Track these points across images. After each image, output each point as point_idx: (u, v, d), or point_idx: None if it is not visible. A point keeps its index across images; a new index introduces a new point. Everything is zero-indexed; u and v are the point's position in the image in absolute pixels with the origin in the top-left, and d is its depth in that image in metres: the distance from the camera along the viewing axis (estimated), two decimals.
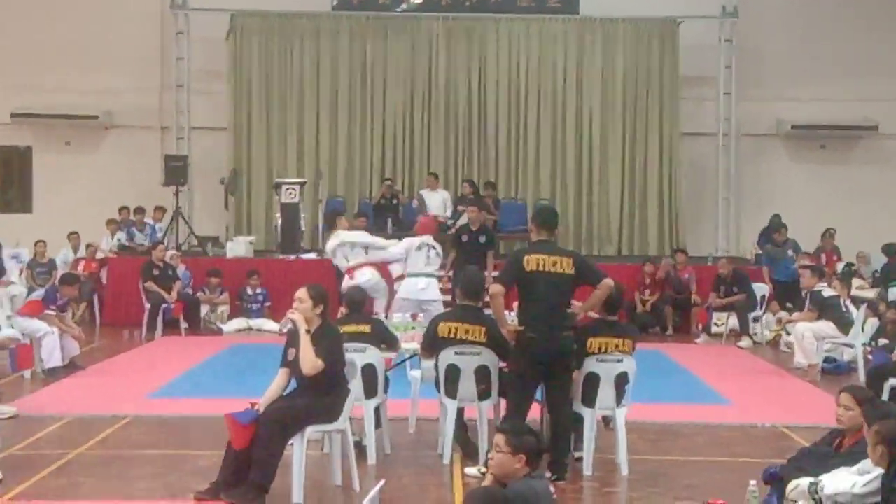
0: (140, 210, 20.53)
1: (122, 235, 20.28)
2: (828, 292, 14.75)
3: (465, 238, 15.66)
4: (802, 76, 22.02)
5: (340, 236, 13.71)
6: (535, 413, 8.68)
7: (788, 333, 15.78)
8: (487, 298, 8.79)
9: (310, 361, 7.74)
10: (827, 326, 14.19)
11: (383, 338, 9.37)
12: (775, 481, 7.03)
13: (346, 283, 12.98)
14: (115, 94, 22.17)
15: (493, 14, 22.32)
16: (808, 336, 14.12)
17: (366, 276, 13.26)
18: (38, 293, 14.13)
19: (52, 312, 13.18)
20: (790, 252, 18.68)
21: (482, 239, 15.49)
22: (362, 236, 13.97)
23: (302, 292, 8.04)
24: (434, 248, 13.43)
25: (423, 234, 13.61)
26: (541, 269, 8.27)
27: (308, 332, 7.82)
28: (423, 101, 22.24)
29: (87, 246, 20.01)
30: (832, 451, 7.01)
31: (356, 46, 22.25)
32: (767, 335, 17.37)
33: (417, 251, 13.30)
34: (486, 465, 5.91)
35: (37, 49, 21.96)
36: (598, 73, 22.19)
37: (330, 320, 8.21)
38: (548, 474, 8.18)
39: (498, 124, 22.23)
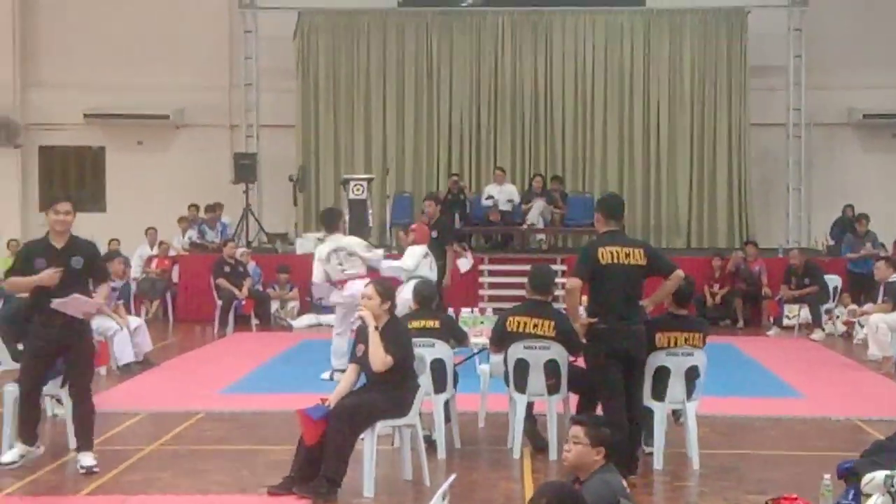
0: (211, 208, 20.74)
1: (193, 233, 20.52)
2: None
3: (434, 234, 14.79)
4: (873, 64, 21.67)
5: (339, 241, 12.77)
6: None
7: (862, 326, 15.58)
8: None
9: (379, 358, 7.79)
10: None
11: (453, 333, 9.39)
12: (851, 476, 6.95)
13: (336, 293, 12.63)
14: (185, 94, 22.42)
15: (559, 7, 22.26)
16: (883, 328, 13.92)
17: (353, 290, 12.21)
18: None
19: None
20: (869, 244, 18.39)
21: (433, 234, 14.79)
22: (359, 247, 12.81)
23: (369, 289, 8.10)
24: (430, 254, 13.06)
25: (422, 242, 13.06)
26: (615, 261, 8.16)
27: (376, 328, 7.86)
28: (489, 96, 22.23)
29: (160, 244, 20.28)
30: None
31: (421, 42, 22.31)
32: (840, 327, 17.15)
33: (424, 258, 13.01)
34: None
35: (108, 50, 22.29)
36: (665, 65, 22.04)
37: (397, 316, 8.25)
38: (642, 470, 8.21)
39: (564, 118, 22.16)
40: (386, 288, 8.14)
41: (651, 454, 8.67)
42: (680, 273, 8.40)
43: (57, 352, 8.48)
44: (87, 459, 8.36)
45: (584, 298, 8.54)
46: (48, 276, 8.17)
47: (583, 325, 8.31)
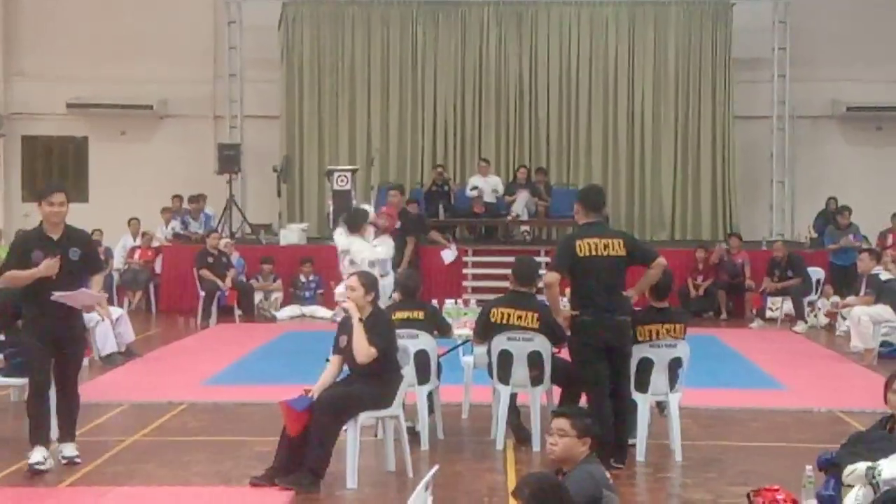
0: (194, 198, 20.68)
1: (176, 224, 20.46)
2: (885, 276, 14.58)
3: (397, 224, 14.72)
4: (857, 57, 21.71)
5: (350, 245, 12.26)
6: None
7: (844, 318, 15.63)
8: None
9: (364, 349, 7.79)
10: (884, 310, 14.00)
11: (436, 324, 9.39)
12: (831, 467, 6.97)
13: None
14: (169, 84, 22.34)
15: None
16: (865, 320, 13.95)
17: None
18: None
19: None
20: (851, 237, 18.42)
21: (397, 224, 14.74)
22: (363, 260, 11.94)
23: (354, 280, 8.11)
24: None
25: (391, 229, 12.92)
26: (593, 253, 8.17)
27: (361, 320, 7.85)
28: (474, 88, 22.20)
29: (143, 234, 20.22)
30: (887, 434, 6.95)
31: (406, 33, 22.25)
32: (822, 319, 17.20)
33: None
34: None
35: (91, 40, 22.18)
36: (650, 57, 22.03)
37: (380, 307, 8.25)
38: (611, 460, 8.19)
39: (549, 109, 22.14)
40: (370, 280, 8.15)
41: (634, 445, 8.68)
42: (662, 261, 8.41)
43: (53, 344, 8.24)
44: (70, 450, 8.31)
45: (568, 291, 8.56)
46: (47, 266, 8.03)
47: (566, 317, 8.32)
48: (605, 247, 8.21)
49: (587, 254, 8.17)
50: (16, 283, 8.44)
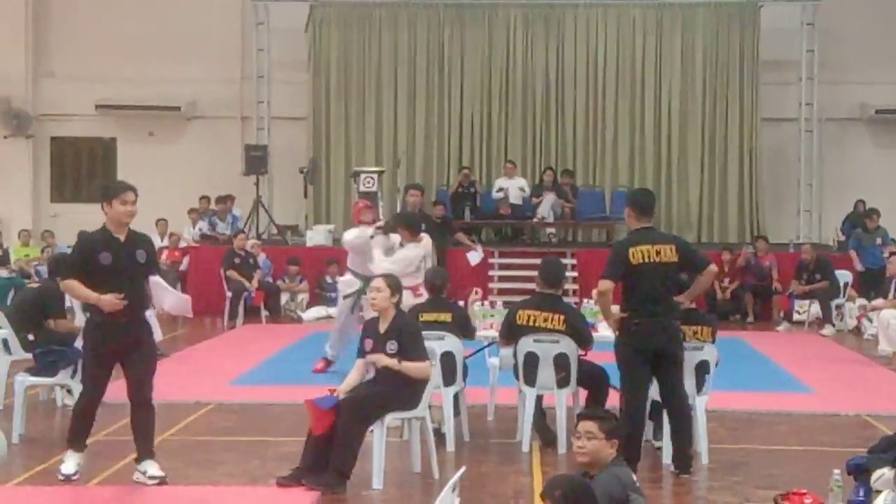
0: (222, 199, 20.75)
1: (203, 225, 20.53)
2: None
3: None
4: (886, 59, 21.59)
5: (387, 264, 11.08)
6: (612, 401, 8.64)
7: (871, 321, 15.53)
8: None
9: (422, 372, 7.91)
10: None
11: (462, 327, 9.36)
12: (861, 473, 6.94)
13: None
14: (197, 85, 22.44)
15: (571, 0, 22.22)
16: (894, 323, 13.85)
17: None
18: None
19: None
20: (878, 240, 18.28)
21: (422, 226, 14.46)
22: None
23: (379, 282, 8.12)
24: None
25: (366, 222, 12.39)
26: (646, 260, 8.08)
27: (400, 362, 7.86)
28: (501, 89, 22.20)
29: (170, 235, 20.30)
30: None
31: (433, 35, 22.28)
32: (851, 322, 17.10)
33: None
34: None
35: (120, 41, 22.29)
36: (677, 59, 21.98)
37: (402, 310, 8.22)
38: (672, 468, 8.19)
39: (576, 112, 22.12)
40: (395, 281, 8.16)
41: (660, 448, 8.67)
42: (713, 268, 8.38)
43: (122, 351, 7.83)
44: (154, 469, 7.87)
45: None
46: (111, 304, 7.62)
47: (615, 320, 8.27)
48: (658, 253, 8.13)
49: (640, 261, 8.09)
50: (74, 296, 8.24)
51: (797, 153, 22.01)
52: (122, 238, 7.89)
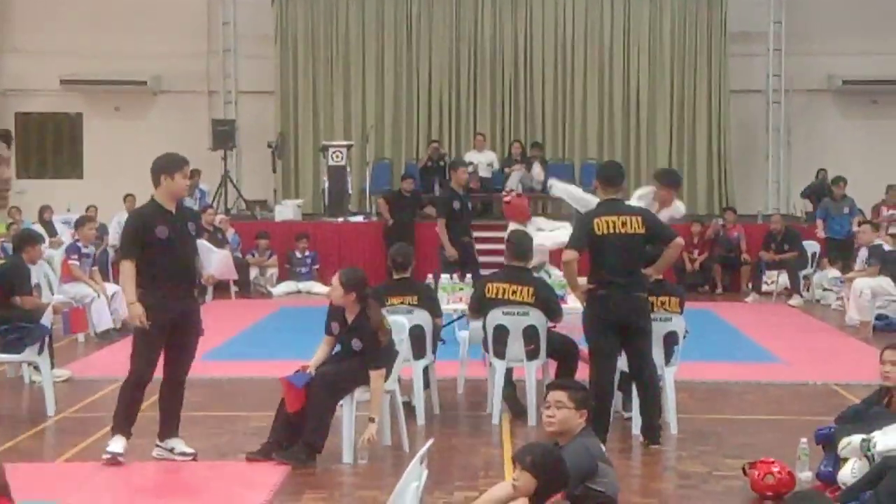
0: (189, 174, 20.57)
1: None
2: (887, 247, 14.52)
3: (457, 205, 14.11)
4: (853, 31, 21.63)
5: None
6: (582, 374, 8.65)
7: (836, 292, 15.64)
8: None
9: (379, 389, 7.79)
10: (886, 282, 13.93)
11: (430, 307, 9.22)
12: (829, 443, 6.99)
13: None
14: (163, 60, 22.22)
15: None
16: (867, 293, 13.84)
17: None
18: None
19: (76, 262, 13.22)
20: (846, 209, 18.33)
21: (471, 205, 14.43)
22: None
23: (334, 278, 8.00)
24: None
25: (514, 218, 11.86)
26: (611, 231, 8.09)
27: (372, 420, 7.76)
28: (469, 62, 22.13)
29: None
30: (882, 408, 6.97)
31: (401, 8, 22.15)
32: (819, 293, 17.17)
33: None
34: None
35: (84, 15, 22.06)
36: (645, 32, 21.98)
37: (367, 306, 7.94)
38: (641, 439, 8.21)
39: (544, 84, 22.09)
40: (349, 278, 7.93)
41: (630, 419, 8.70)
42: (680, 241, 8.38)
43: (171, 328, 7.67)
44: (182, 445, 7.85)
45: None
46: (137, 313, 7.48)
47: (583, 292, 8.27)
48: (623, 224, 8.13)
49: (605, 232, 8.10)
50: (122, 281, 7.89)
51: (765, 125, 22.07)
52: (173, 211, 7.80)
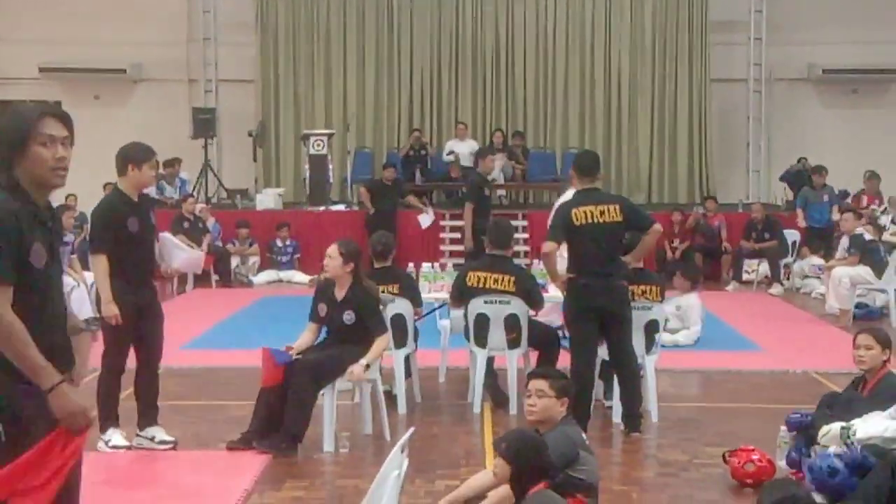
0: (169, 163, 20.50)
1: (151, 189, 20.25)
2: (868, 236, 14.57)
3: (486, 191, 14.51)
4: (833, 20, 21.70)
5: None
6: (563, 361, 8.66)
7: (822, 281, 15.68)
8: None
9: (383, 347, 7.92)
10: (865, 271, 13.98)
11: (411, 296, 9.24)
12: (803, 429, 7.02)
13: None
14: (143, 48, 22.13)
15: None
16: (846, 281, 13.91)
17: None
18: None
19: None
20: (825, 197, 18.36)
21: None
22: None
23: (332, 248, 8.00)
24: None
25: None
26: (589, 220, 8.10)
27: (368, 367, 7.81)
28: (451, 51, 22.11)
29: None
30: (859, 395, 7.01)
31: None
32: (800, 281, 17.22)
33: None
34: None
35: (63, 3, 21.93)
36: (626, 20, 21.99)
37: (361, 278, 8.09)
38: (622, 427, 8.23)
39: (526, 73, 22.09)
40: (349, 249, 8.02)
41: (611, 407, 8.72)
42: (658, 228, 8.38)
43: (139, 318, 7.63)
44: (162, 433, 7.84)
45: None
46: (113, 313, 7.45)
47: (563, 281, 8.28)
48: (602, 213, 8.13)
49: (583, 222, 8.11)
50: (96, 277, 7.72)
51: (746, 113, 22.13)
52: (137, 201, 7.66)
